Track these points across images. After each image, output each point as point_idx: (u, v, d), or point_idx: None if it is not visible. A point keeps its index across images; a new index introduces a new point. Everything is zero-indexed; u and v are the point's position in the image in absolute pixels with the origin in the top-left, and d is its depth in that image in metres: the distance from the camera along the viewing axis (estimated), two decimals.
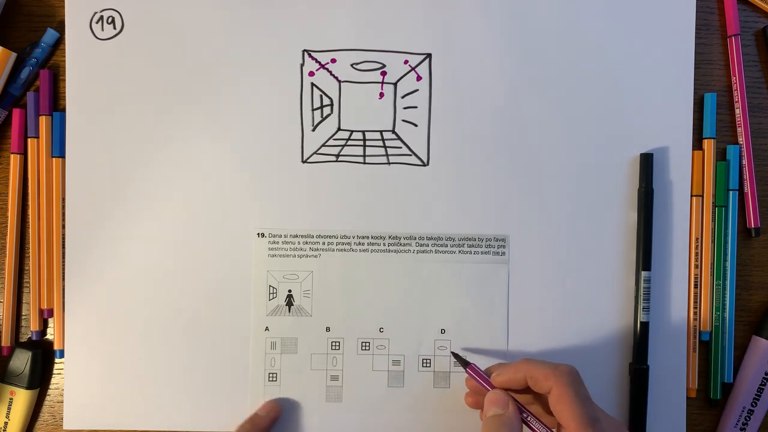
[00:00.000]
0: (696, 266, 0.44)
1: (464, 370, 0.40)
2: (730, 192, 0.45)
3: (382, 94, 0.44)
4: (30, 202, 0.44)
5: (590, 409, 0.34)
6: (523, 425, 0.36)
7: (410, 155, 0.44)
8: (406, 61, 0.44)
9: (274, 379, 0.44)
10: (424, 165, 0.44)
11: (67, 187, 0.44)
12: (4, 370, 0.43)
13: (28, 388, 0.43)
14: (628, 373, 0.44)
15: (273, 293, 0.44)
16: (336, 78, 0.44)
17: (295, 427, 0.44)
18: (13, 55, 0.43)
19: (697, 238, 0.44)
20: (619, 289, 0.44)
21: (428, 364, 0.44)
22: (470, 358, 0.44)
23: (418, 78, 0.44)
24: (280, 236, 0.44)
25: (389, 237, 0.44)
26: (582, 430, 0.33)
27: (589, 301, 0.44)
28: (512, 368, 0.37)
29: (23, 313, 0.45)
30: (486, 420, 0.36)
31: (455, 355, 0.42)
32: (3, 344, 0.44)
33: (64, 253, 0.44)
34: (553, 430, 0.36)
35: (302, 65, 0.44)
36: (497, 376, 0.38)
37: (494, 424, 0.36)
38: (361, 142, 0.44)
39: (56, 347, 0.44)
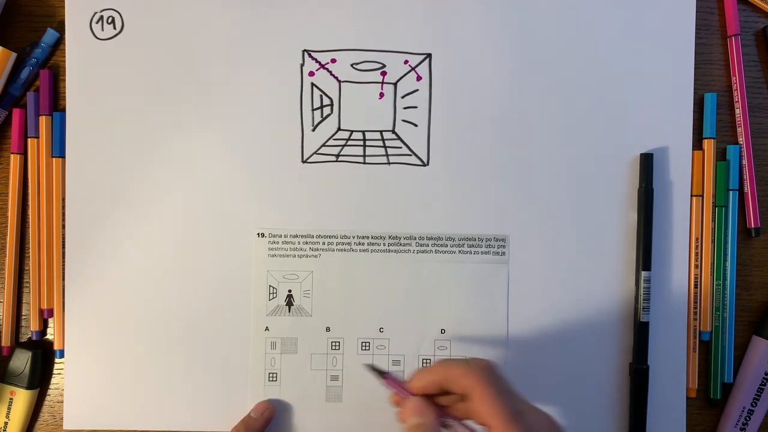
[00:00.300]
0: (696, 266, 0.44)
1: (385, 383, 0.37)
2: (730, 192, 0.45)
3: (382, 94, 0.44)
4: (30, 202, 0.44)
5: (513, 402, 0.32)
6: (449, 430, 0.34)
7: (410, 155, 0.44)
8: (406, 61, 0.44)
9: (274, 379, 0.44)
10: (424, 165, 0.44)
11: (67, 187, 0.44)
12: (4, 370, 0.43)
13: (28, 388, 0.43)
14: (628, 373, 0.44)
15: (273, 293, 0.44)
16: (336, 78, 0.44)
17: (295, 427, 0.44)
18: (13, 55, 0.43)
19: (697, 238, 0.44)
20: (619, 289, 0.44)
21: (428, 364, 0.44)
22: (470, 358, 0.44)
23: (418, 78, 0.44)
24: (280, 236, 0.44)
25: (389, 237, 0.44)
26: (506, 426, 0.31)
27: (589, 301, 0.44)
28: (429, 372, 0.35)
29: (23, 313, 0.45)
30: (406, 430, 0.34)
31: (371, 367, 0.38)
32: (3, 344, 0.44)
33: (64, 253, 0.44)
34: (479, 429, 0.33)
35: (302, 65, 0.44)
36: (415, 382, 0.35)
37: None
38: (361, 142, 0.44)
39: (56, 347, 0.44)
